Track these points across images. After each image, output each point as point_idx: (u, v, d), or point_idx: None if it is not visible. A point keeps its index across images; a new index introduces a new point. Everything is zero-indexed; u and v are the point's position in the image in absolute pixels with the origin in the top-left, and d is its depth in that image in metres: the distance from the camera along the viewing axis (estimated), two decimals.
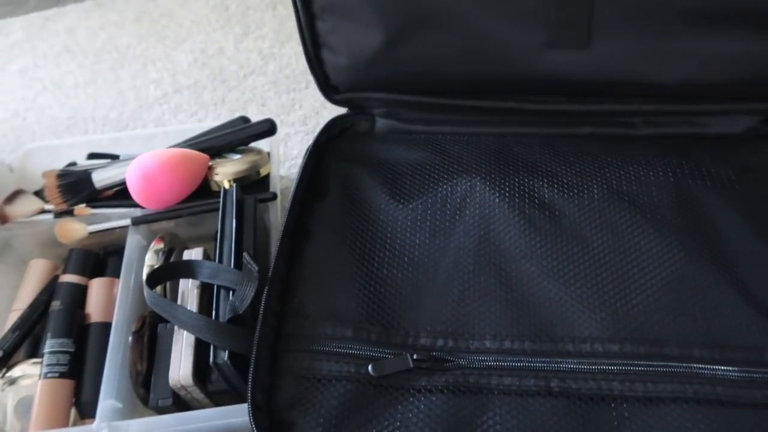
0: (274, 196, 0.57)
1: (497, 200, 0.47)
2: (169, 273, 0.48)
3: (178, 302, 0.47)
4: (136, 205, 0.56)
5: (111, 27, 1.00)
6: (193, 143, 0.59)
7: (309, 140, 0.71)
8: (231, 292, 0.45)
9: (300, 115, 0.80)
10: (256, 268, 0.43)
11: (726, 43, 0.46)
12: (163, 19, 1.00)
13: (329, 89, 0.55)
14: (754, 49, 0.46)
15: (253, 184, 0.59)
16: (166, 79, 0.89)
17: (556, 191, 0.48)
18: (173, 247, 0.54)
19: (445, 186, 0.49)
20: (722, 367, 0.39)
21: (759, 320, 0.41)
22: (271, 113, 0.81)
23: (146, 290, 0.45)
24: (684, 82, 0.50)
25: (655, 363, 0.39)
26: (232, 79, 0.87)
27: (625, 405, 0.38)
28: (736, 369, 0.38)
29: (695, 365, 0.39)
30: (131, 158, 0.57)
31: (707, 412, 0.37)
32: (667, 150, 0.51)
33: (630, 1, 0.44)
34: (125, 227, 0.56)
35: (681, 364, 0.39)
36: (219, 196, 0.52)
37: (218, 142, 0.59)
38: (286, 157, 0.74)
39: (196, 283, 0.48)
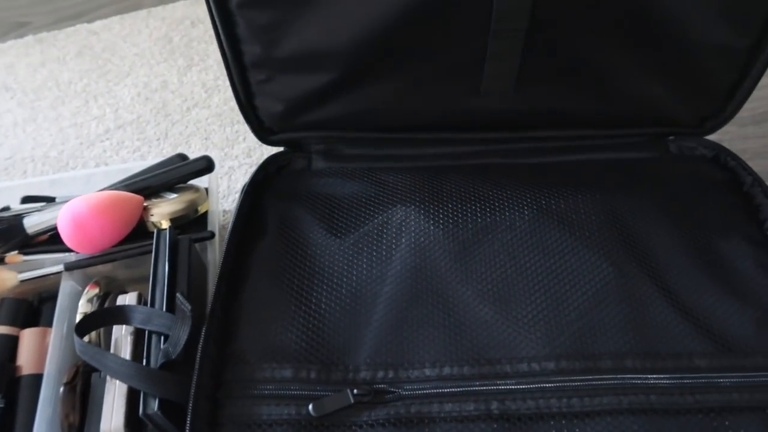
0: (212, 235, 0.56)
1: (432, 227, 0.48)
2: (99, 320, 0.47)
3: (111, 350, 0.46)
4: (71, 250, 0.55)
5: (52, 63, 0.99)
6: (128, 184, 0.58)
7: None
8: (164, 338, 0.44)
9: (244, 148, 0.80)
10: (189, 307, 0.43)
11: (634, 85, 0.50)
12: (106, 53, 0.99)
13: (263, 132, 0.56)
14: (658, 89, 0.51)
15: (192, 223, 0.58)
16: (108, 115, 0.87)
17: (488, 215, 0.49)
18: (109, 291, 0.53)
19: (381, 216, 0.49)
20: (654, 376, 0.40)
21: (687, 326, 0.42)
22: (215, 146, 0.80)
23: (75, 338, 0.44)
24: (601, 114, 0.53)
25: (590, 377, 0.40)
26: (175, 112, 0.86)
27: (563, 421, 0.39)
28: (667, 376, 0.40)
29: (629, 376, 0.40)
30: (67, 201, 0.55)
31: (642, 422, 0.38)
32: (594, 171, 0.53)
33: (551, 58, 0.48)
34: (58, 273, 0.54)
35: (615, 376, 0.40)
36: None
37: (154, 182, 0.58)
38: (230, 191, 0.74)
39: (130, 329, 0.47)
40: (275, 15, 0.45)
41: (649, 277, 0.44)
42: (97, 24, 1.04)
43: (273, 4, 0.44)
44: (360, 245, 0.48)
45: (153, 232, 0.55)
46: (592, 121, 0.54)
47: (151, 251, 0.51)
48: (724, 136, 0.78)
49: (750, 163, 0.63)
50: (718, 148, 0.55)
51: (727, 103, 0.53)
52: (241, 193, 0.51)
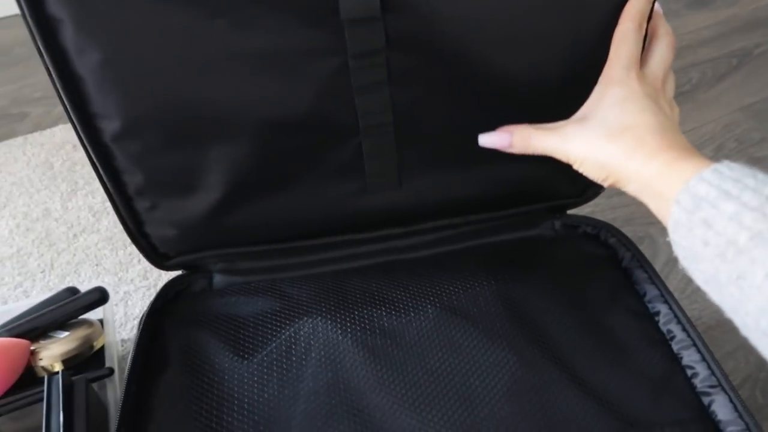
0: (111, 372, 0.53)
1: (340, 337, 0.48)
2: None
3: None
4: None
5: None
6: (11, 328, 0.54)
7: (152, 295, 0.69)
8: None
9: (140, 270, 0.77)
10: None
11: (512, 166, 0.51)
12: None
13: (159, 258, 0.54)
14: (537, 168, 0.51)
15: (88, 360, 0.55)
16: None
17: (394, 317, 0.50)
18: None
19: (288, 331, 0.49)
20: None
21: (591, 406, 0.44)
22: (108, 272, 0.77)
23: None
24: (486, 197, 0.56)
25: None
26: (60, 241, 0.82)
27: None
28: None
29: None
30: None
31: None
32: (486, 259, 0.55)
33: (426, 148, 0.50)
34: None
35: None
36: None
37: (41, 322, 0.55)
38: (127, 318, 0.70)
39: None
40: (152, 143, 0.45)
41: (551, 361, 0.47)
42: None
43: (147, 131, 0.44)
44: (269, 365, 0.47)
45: (43, 378, 0.52)
46: (480, 205, 0.57)
47: (41, 400, 0.47)
48: (596, 208, 0.85)
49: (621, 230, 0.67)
50: (601, 226, 0.59)
51: None
52: (139, 325, 0.49)
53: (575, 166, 0.41)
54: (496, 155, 0.52)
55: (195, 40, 0.39)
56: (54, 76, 0.40)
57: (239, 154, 0.47)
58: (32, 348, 0.54)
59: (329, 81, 0.43)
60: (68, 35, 0.38)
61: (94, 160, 0.46)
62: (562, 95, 0.46)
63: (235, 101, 0.43)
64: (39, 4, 0.36)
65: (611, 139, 0.38)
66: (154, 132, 0.44)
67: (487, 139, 0.46)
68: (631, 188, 0.38)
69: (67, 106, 0.41)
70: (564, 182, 0.57)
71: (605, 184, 0.40)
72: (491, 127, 0.48)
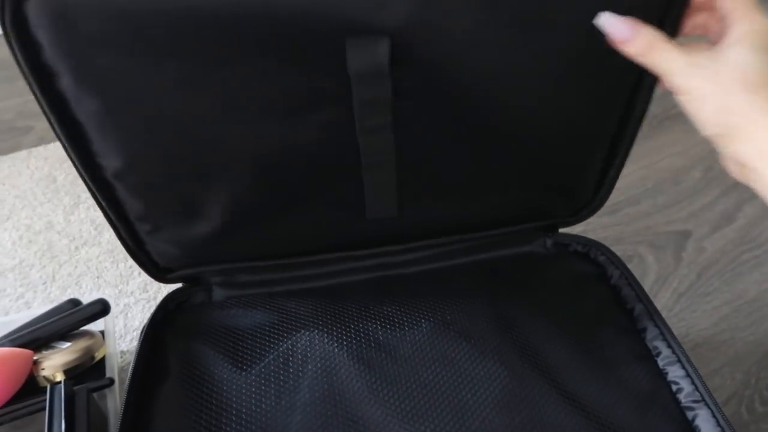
0: (111, 382, 0.54)
1: (336, 350, 0.49)
2: None
3: None
4: None
5: None
6: (14, 338, 0.55)
7: (151, 307, 0.70)
8: None
9: (140, 282, 0.78)
10: None
11: (509, 192, 0.55)
12: None
13: (160, 272, 0.55)
14: (532, 192, 0.56)
15: (89, 371, 0.56)
16: None
17: (389, 331, 0.51)
18: None
19: (285, 344, 0.50)
20: None
21: (579, 420, 0.46)
22: (108, 284, 0.78)
23: None
24: (483, 219, 0.58)
25: None
26: (62, 253, 0.84)
27: None
28: None
29: None
30: None
31: None
32: (479, 275, 0.57)
33: (427, 184, 0.51)
34: None
35: None
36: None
37: (43, 333, 0.56)
38: (127, 330, 0.72)
39: None
40: (153, 179, 0.46)
41: (540, 375, 0.48)
42: None
43: (148, 169, 0.45)
44: (266, 376, 0.48)
45: (45, 388, 0.53)
46: (476, 225, 0.58)
47: (43, 409, 0.48)
48: (587, 227, 0.87)
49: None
50: (591, 244, 0.60)
51: (596, 193, 0.57)
52: (140, 336, 0.51)
53: (684, 99, 0.36)
54: (496, 187, 0.54)
55: (196, 91, 0.40)
56: (52, 120, 0.40)
57: (241, 189, 0.48)
58: (35, 358, 0.55)
59: (333, 125, 0.44)
60: (66, 84, 0.38)
61: (95, 192, 0.46)
62: (563, 135, 0.48)
63: (237, 143, 0.44)
64: (35, 55, 0.36)
65: (748, 89, 0.34)
66: (155, 170, 0.45)
67: (606, 20, 0.38)
68: (746, 148, 0.34)
69: (66, 146, 0.42)
70: (560, 205, 0.59)
71: (710, 131, 0.35)
72: (492, 164, 0.49)
